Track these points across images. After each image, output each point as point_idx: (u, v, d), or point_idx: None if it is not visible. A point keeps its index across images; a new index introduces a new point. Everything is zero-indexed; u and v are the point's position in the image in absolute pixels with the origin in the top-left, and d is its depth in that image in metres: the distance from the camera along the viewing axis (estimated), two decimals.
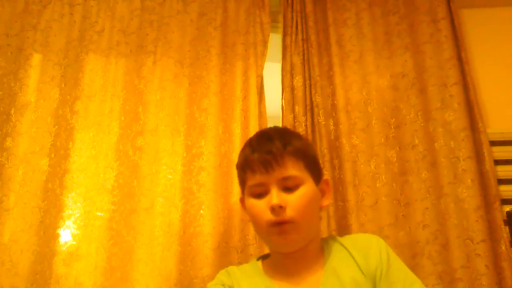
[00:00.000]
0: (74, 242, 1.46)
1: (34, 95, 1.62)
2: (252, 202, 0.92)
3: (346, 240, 0.96)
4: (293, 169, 0.90)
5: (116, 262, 1.43)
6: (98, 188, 1.51)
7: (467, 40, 1.81)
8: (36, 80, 1.64)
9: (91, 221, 1.48)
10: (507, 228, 1.49)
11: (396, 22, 1.79)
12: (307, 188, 0.91)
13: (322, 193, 0.96)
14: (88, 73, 1.66)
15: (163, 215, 1.49)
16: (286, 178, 0.89)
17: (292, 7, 1.78)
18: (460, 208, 1.51)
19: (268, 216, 0.87)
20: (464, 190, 1.52)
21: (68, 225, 1.48)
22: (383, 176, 1.57)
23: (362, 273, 0.87)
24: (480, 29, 1.85)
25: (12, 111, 1.58)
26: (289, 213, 0.86)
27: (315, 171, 0.96)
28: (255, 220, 0.92)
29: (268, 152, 0.90)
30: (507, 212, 1.48)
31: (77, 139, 1.57)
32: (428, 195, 1.54)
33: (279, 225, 0.86)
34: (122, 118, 1.60)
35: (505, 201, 1.57)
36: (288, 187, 0.89)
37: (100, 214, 1.48)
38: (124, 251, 1.45)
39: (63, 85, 1.63)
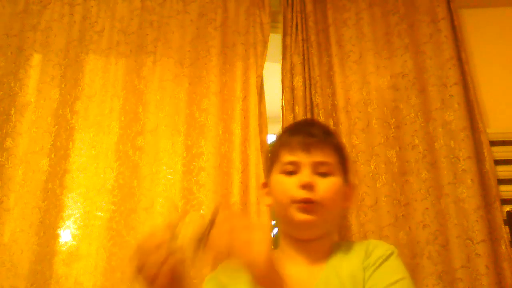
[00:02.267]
0: (74, 242, 1.46)
1: (34, 95, 1.62)
2: (281, 177, 0.91)
3: (360, 243, 0.94)
4: (329, 157, 0.91)
5: (116, 262, 1.43)
6: (98, 188, 1.51)
7: (467, 40, 1.81)
8: (36, 80, 1.64)
9: (91, 221, 1.48)
10: (507, 228, 1.49)
11: (396, 22, 1.79)
12: (337, 179, 0.91)
13: (347, 195, 0.96)
14: (88, 73, 1.66)
15: (163, 215, 1.49)
16: (321, 163, 0.90)
17: (292, 7, 1.78)
18: (460, 208, 1.51)
19: (296, 192, 0.87)
20: (464, 190, 1.52)
21: (68, 225, 1.48)
22: (383, 176, 1.57)
23: (362, 268, 0.84)
24: (480, 29, 1.85)
25: (12, 111, 1.58)
26: (317, 194, 0.86)
27: (346, 171, 0.96)
28: (280, 196, 0.91)
29: (310, 134, 0.92)
30: (507, 212, 1.48)
31: (77, 139, 1.57)
32: (428, 195, 1.54)
33: (304, 203, 0.86)
34: (122, 118, 1.60)
35: (505, 201, 1.57)
36: (321, 172, 0.89)
37: (100, 214, 1.49)
38: (124, 251, 1.45)
39: (63, 85, 1.63)
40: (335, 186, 0.90)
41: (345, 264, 0.87)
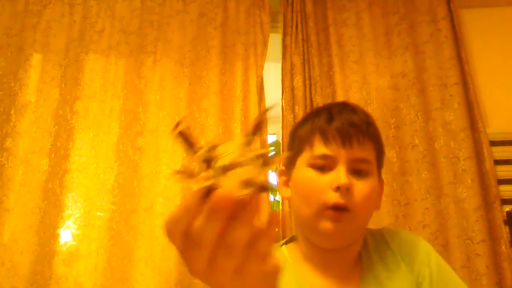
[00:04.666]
0: (74, 242, 1.46)
1: (34, 95, 1.62)
2: (311, 172, 0.75)
3: (392, 238, 0.82)
4: (369, 153, 0.77)
5: (116, 262, 1.43)
6: (98, 188, 1.51)
7: (467, 40, 1.81)
8: (36, 80, 1.64)
9: (91, 221, 1.48)
10: (507, 228, 1.50)
11: (396, 22, 1.79)
12: (374, 181, 0.77)
13: (379, 195, 0.83)
14: (88, 73, 1.66)
15: (163, 215, 1.49)
16: (360, 160, 0.75)
17: (292, 7, 1.78)
18: (460, 208, 1.51)
19: (328, 195, 0.72)
20: (464, 190, 1.52)
21: (68, 225, 1.48)
22: (383, 176, 1.56)
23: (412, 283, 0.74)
24: (480, 29, 1.85)
25: (12, 111, 1.58)
26: (353, 200, 0.72)
27: (380, 165, 0.83)
28: (307, 195, 0.75)
29: (351, 124, 0.76)
30: (507, 212, 1.48)
31: (77, 139, 1.57)
32: (428, 195, 1.54)
33: (336, 211, 0.71)
34: (122, 118, 1.60)
35: (505, 201, 1.57)
36: (358, 171, 0.75)
37: (100, 214, 1.49)
38: (124, 251, 1.45)
39: (63, 85, 1.63)
40: (373, 188, 0.76)
41: (389, 277, 0.76)
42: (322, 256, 0.78)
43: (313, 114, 0.83)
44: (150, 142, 1.58)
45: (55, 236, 1.46)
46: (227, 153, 0.36)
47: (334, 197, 0.71)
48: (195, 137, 0.39)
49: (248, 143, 0.37)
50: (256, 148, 0.37)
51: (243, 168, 0.36)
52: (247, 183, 0.35)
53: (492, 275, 1.41)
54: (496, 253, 1.47)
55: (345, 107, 0.81)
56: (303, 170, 0.77)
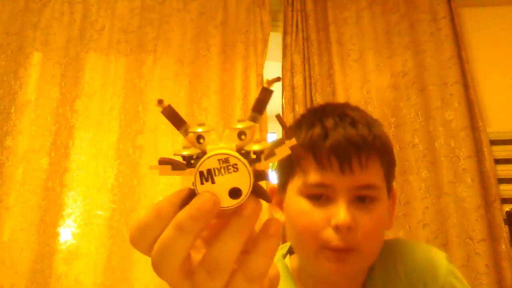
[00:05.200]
0: (74, 241, 1.46)
1: (34, 94, 1.62)
2: (304, 204, 0.62)
3: (404, 260, 0.68)
4: (376, 175, 0.63)
5: (116, 261, 1.43)
6: (98, 186, 1.52)
7: (467, 39, 1.81)
8: (36, 79, 1.64)
9: (91, 220, 1.48)
10: (506, 227, 1.49)
11: (396, 21, 1.79)
12: (383, 205, 0.64)
13: (390, 213, 0.70)
14: (88, 72, 1.66)
15: None
16: (364, 187, 0.62)
17: (293, 6, 1.78)
18: (460, 207, 1.51)
19: (326, 234, 0.60)
20: (464, 189, 1.52)
21: (68, 224, 1.48)
22: None
23: None
24: (481, 28, 1.85)
25: (12, 110, 1.58)
26: (357, 236, 0.60)
27: (391, 180, 0.69)
28: (302, 232, 0.63)
29: (351, 143, 0.61)
30: (507, 211, 1.47)
31: (77, 138, 1.57)
32: (428, 194, 1.54)
33: (338, 251, 0.60)
34: (122, 117, 1.60)
35: (505, 200, 1.57)
36: (362, 197, 0.62)
37: (100, 212, 1.49)
38: (124, 250, 1.45)
39: (63, 84, 1.63)
40: (381, 218, 0.63)
41: None
42: (323, 284, 0.67)
43: (306, 122, 0.67)
44: (150, 141, 1.58)
45: (55, 235, 1.46)
46: (215, 152, 0.29)
47: (333, 238, 0.59)
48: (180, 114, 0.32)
49: (244, 131, 0.30)
50: (254, 139, 0.31)
51: (233, 174, 0.29)
52: (237, 191, 0.29)
53: (492, 274, 1.41)
54: (496, 252, 1.47)
55: (343, 117, 0.64)
56: (295, 200, 0.64)
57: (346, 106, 0.71)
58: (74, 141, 1.57)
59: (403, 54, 1.74)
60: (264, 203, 0.31)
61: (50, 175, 1.51)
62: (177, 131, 0.31)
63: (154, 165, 0.31)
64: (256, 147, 0.30)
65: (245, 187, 0.29)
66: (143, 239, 0.30)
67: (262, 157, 0.30)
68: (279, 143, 0.31)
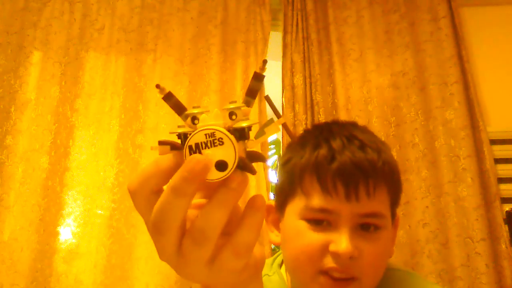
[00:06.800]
0: (74, 240, 1.46)
1: (34, 93, 1.62)
2: (303, 228, 0.60)
3: None
4: (382, 203, 0.61)
5: (116, 260, 1.43)
6: (98, 186, 1.52)
7: (467, 38, 1.81)
8: (36, 78, 1.64)
9: (91, 219, 1.48)
10: (506, 227, 1.49)
11: (396, 21, 1.79)
12: (387, 234, 0.61)
13: (393, 240, 0.67)
14: (88, 71, 1.66)
15: None
16: (369, 215, 0.59)
17: (293, 5, 1.78)
18: (460, 206, 1.51)
19: (325, 262, 0.57)
20: (464, 189, 1.52)
21: (68, 223, 1.48)
22: None
23: None
24: (481, 27, 1.85)
25: (12, 109, 1.58)
26: (360, 267, 0.57)
27: (396, 206, 0.66)
28: (298, 258, 0.60)
29: (359, 168, 0.59)
30: (507, 211, 1.47)
31: (77, 137, 1.57)
32: (428, 194, 1.54)
33: (337, 280, 0.57)
34: (122, 116, 1.60)
35: (505, 200, 1.57)
36: (366, 225, 0.59)
37: (100, 212, 1.49)
38: (124, 249, 1.45)
39: (63, 83, 1.63)
40: (385, 247, 0.61)
41: None
42: None
43: (311, 141, 0.64)
44: (150, 140, 1.58)
45: (55, 234, 1.46)
46: (203, 128, 0.31)
47: (333, 265, 0.57)
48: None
49: (236, 110, 0.32)
50: (245, 118, 0.32)
51: (218, 148, 0.30)
52: (224, 164, 0.30)
53: (491, 274, 1.41)
54: (496, 252, 1.47)
55: (351, 139, 0.61)
56: (294, 222, 0.61)
57: (354, 126, 0.68)
58: (74, 140, 1.57)
59: (403, 54, 1.74)
60: (252, 182, 0.33)
61: (50, 174, 1.51)
62: (176, 130, 0.33)
63: (155, 146, 0.33)
64: (244, 124, 0.31)
65: (231, 160, 0.30)
66: (142, 188, 0.32)
67: (250, 133, 0.32)
68: (268, 122, 0.32)
